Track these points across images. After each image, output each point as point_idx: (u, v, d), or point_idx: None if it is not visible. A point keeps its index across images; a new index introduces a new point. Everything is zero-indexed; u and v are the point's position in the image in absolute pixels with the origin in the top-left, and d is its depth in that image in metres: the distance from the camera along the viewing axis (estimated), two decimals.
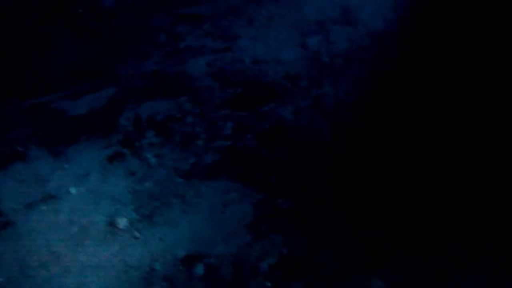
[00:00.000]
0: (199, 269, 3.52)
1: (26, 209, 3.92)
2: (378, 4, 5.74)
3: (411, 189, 3.83)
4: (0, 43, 5.90)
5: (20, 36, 5.95)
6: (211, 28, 5.65)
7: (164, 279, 3.49)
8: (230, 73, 4.95)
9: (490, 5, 5.46)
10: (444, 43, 5.08)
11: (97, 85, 5.06)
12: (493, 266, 3.44)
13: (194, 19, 5.83)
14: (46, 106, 4.92)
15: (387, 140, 4.18)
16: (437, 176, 3.90)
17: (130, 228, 3.68)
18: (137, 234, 3.65)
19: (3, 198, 4.03)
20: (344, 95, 4.61)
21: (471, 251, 3.51)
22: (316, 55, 5.08)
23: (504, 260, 3.44)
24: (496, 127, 4.22)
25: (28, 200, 4.00)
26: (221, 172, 3.97)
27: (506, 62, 4.81)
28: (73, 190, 4.00)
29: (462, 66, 4.83)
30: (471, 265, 3.45)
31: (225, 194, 3.80)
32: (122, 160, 4.20)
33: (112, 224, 3.73)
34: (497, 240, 3.55)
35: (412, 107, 4.44)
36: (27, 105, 4.97)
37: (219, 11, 5.94)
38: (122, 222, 3.72)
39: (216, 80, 4.89)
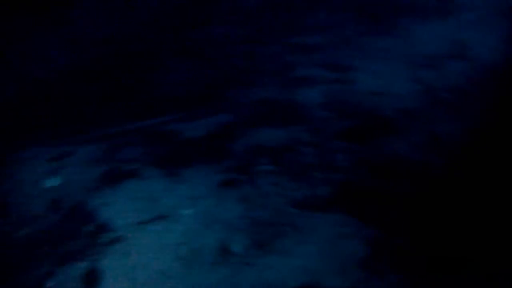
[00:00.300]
0: None
1: (137, 227, 3.98)
2: (494, 38, 5.67)
3: None
4: (117, 62, 6.04)
5: (140, 58, 6.08)
6: (325, 58, 5.67)
7: None
8: (345, 104, 4.95)
9: None
10: None
11: (212, 110, 5.13)
12: None
13: (307, 49, 5.86)
14: (161, 127, 5.01)
15: (509, 183, 4.10)
16: None
17: (243, 254, 3.69)
18: (249, 261, 3.66)
19: (115, 214, 4.10)
20: (460, 132, 4.56)
21: None
22: (431, 89, 5.05)
23: None
24: None
25: (139, 218, 4.06)
26: (335, 205, 3.97)
27: None
28: (185, 212, 4.05)
29: None
30: None
31: (339, 227, 3.79)
32: (236, 185, 4.23)
33: (224, 248, 3.75)
34: None
35: None
36: (142, 125, 5.06)
37: (333, 42, 5.96)
38: (235, 247, 3.74)
39: (331, 111, 4.90)
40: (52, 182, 4.45)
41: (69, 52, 6.38)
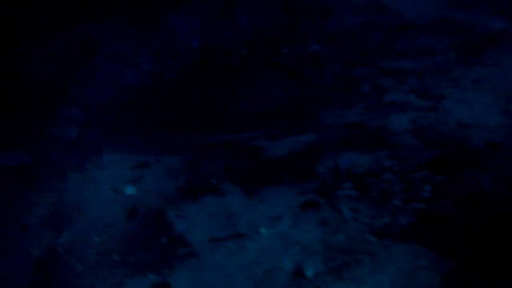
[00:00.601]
0: None
1: (213, 243, 3.98)
2: None
3: None
4: (207, 73, 6.06)
5: (231, 71, 6.10)
6: (416, 85, 5.59)
7: None
8: (433, 133, 4.87)
9: None
10: None
11: (298, 128, 5.10)
12: None
13: (398, 74, 5.79)
14: (244, 143, 5.00)
15: None
16: None
17: (316, 279, 3.66)
18: (321, 286, 3.62)
19: (192, 229, 4.11)
20: None
21: None
22: None
23: None
24: None
25: (216, 234, 4.06)
26: (415, 236, 3.89)
27: None
28: (263, 231, 4.03)
29: None
30: None
31: (416, 259, 3.71)
32: (316, 208, 4.19)
33: (298, 272, 3.71)
34: None
35: None
36: (226, 139, 5.07)
37: (424, 68, 5.88)
38: (309, 272, 3.70)
39: (418, 139, 4.82)
40: (132, 190, 4.49)
41: (161, 59, 6.44)
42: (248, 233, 4.02)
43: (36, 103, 5.65)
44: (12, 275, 3.76)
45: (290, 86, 5.81)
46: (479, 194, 4.20)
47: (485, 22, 6.74)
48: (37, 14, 6.89)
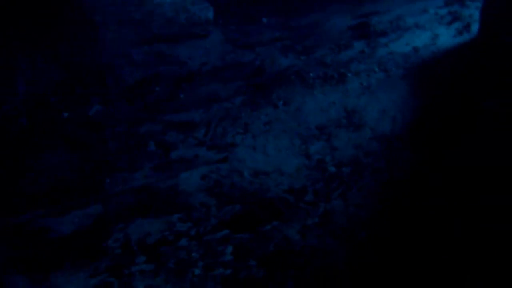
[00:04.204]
0: None
1: None
2: (383, 104, 5.35)
3: None
4: None
5: (8, 146, 5.57)
6: (204, 136, 5.25)
7: None
8: (227, 187, 4.52)
9: None
10: (455, 146, 4.66)
11: (84, 200, 4.64)
12: None
13: (185, 127, 5.44)
14: (28, 225, 4.48)
15: (410, 265, 3.68)
16: None
17: None
18: None
19: None
20: (355, 209, 4.16)
21: None
22: (320, 164, 4.66)
23: None
24: None
25: None
26: None
27: None
28: None
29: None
30: None
31: None
32: None
33: None
34: None
35: (433, 223, 3.97)
36: (6, 224, 4.53)
37: (213, 117, 5.55)
38: None
39: (212, 196, 4.46)
40: None
41: None
42: None
43: None
44: None
45: (73, 155, 5.32)
46: (287, 247, 3.85)
47: (272, 61, 6.54)
48: None
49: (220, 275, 3.70)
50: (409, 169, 4.48)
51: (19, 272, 4.03)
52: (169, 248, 4.00)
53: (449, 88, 5.26)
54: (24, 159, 5.43)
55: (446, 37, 6.22)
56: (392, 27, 6.79)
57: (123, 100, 6.21)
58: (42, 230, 4.43)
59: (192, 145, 5.14)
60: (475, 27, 6.21)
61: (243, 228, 4.06)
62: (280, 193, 4.38)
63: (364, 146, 4.86)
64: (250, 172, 4.63)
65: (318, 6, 8.19)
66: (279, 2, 8.48)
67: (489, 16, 5.47)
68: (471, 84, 5.19)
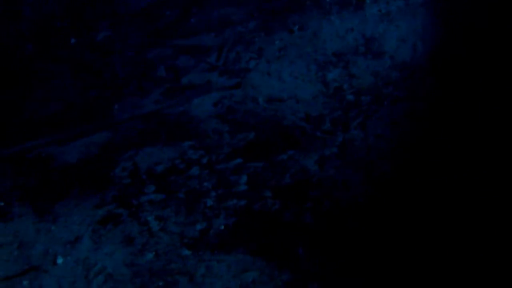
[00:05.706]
0: None
1: (4, 284, 3.28)
2: (403, 32, 5.13)
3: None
4: None
5: (16, 73, 5.40)
6: (216, 61, 5.06)
7: None
8: (241, 114, 4.35)
9: None
10: (481, 74, 4.45)
11: (91, 127, 4.48)
12: None
13: (197, 51, 5.24)
14: (32, 153, 4.33)
15: (432, 196, 3.51)
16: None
17: None
18: None
19: None
20: (375, 140, 3.97)
21: None
22: (338, 92, 4.47)
23: None
24: None
25: (7, 271, 3.36)
26: (236, 242, 3.32)
27: None
28: (60, 260, 3.37)
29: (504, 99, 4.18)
30: None
31: (243, 272, 3.14)
32: (118, 222, 3.58)
33: None
34: None
35: (457, 149, 3.78)
36: (10, 152, 4.38)
37: (225, 42, 5.34)
38: None
39: (225, 122, 4.29)
40: None
41: None
42: (43, 266, 3.39)
43: None
44: None
45: (80, 81, 5.15)
46: (304, 179, 3.68)
47: None
48: None
49: (234, 206, 3.55)
50: (431, 98, 4.30)
51: (28, 201, 3.88)
52: (180, 177, 3.85)
53: (473, 13, 5.05)
54: (30, 86, 5.28)
55: None
56: None
57: (133, 25, 6.04)
58: (45, 159, 4.27)
59: (204, 70, 4.96)
60: None
61: (257, 157, 3.91)
62: (296, 121, 4.20)
63: (384, 75, 4.67)
64: (265, 99, 4.46)
65: None
66: None
67: None
68: (498, 5, 4.97)
